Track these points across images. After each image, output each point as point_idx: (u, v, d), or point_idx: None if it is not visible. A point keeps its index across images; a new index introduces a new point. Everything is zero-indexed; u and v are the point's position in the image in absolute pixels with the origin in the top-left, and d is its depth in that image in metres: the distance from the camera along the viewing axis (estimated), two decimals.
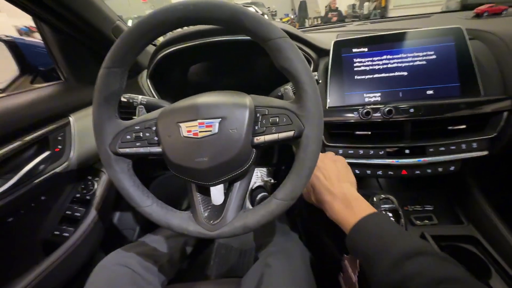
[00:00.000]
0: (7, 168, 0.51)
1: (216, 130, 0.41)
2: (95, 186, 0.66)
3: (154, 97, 0.75)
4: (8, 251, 0.54)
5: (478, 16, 0.77)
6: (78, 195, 0.65)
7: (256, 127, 0.42)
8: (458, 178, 0.67)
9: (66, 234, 0.60)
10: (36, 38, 0.75)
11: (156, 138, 0.46)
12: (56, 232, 0.60)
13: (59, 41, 0.63)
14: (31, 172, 0.52)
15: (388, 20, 0.91)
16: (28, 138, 0.53)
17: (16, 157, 0.52)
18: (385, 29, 0.75)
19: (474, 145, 0.58)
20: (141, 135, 0.46)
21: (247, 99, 0.44)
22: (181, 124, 0.42)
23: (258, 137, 0.42)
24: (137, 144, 0.46)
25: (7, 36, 0.67)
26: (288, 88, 0.52)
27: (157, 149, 0.46)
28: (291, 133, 0.41)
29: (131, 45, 0.39)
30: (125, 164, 0.47)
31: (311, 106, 0.39)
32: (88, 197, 0.65)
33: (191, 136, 0.42)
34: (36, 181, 0.53)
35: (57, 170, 0.58)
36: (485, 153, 0.58)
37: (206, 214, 0.47)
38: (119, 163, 0.46)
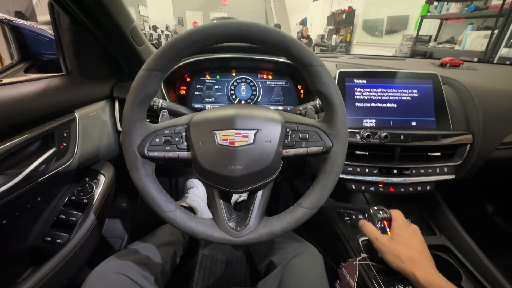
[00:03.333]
0: (9, 164, 0.45)
1: (252, 141, 0.44)
2: (94, 188, 0.61)
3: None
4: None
5: (443, 65, 0.96)
6: (73, 198, 0.60)
7: (286, 141, 0.47)
8: (429, 196, 0.79)
9: (60, 241, 0.54)
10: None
11: (185, 144, 0.46)
12: (47, 238, 0.54)
13: (73, 32, 0.59)
14: (36, 170, 0.47)
15: (373, 58, 1.07)
16: (35, 133, 0.48)
17: (20, 152, 0.47)
18: (373, 66, 0.87)
19: (445, 169, 0.71)
20: (171, 139, 0.46)
21: (278, 114, 0.48)
22: (216, 132, 0.44)
23: (287, 150, 0.47)
24: (166, 148, 0.46)
25: (9, 19, 0.60)
26: (312, 108, 0.58)
27: (186, 155, 0.46)
28: (320, 149, 0.46)
29: (178, 52, 0.40)
30: (150, 168, 0.47)
31: (340, 126, 0.45)
32: (85, 201, 0.60)
33: (227, 144, 0.44)
34: (40, 179, 0.48)
35: (60, 169, 0.53)
36: (452, 176, 0.71)
37: (229, 221, 0.48)
38: (145, 166, 0.46)
